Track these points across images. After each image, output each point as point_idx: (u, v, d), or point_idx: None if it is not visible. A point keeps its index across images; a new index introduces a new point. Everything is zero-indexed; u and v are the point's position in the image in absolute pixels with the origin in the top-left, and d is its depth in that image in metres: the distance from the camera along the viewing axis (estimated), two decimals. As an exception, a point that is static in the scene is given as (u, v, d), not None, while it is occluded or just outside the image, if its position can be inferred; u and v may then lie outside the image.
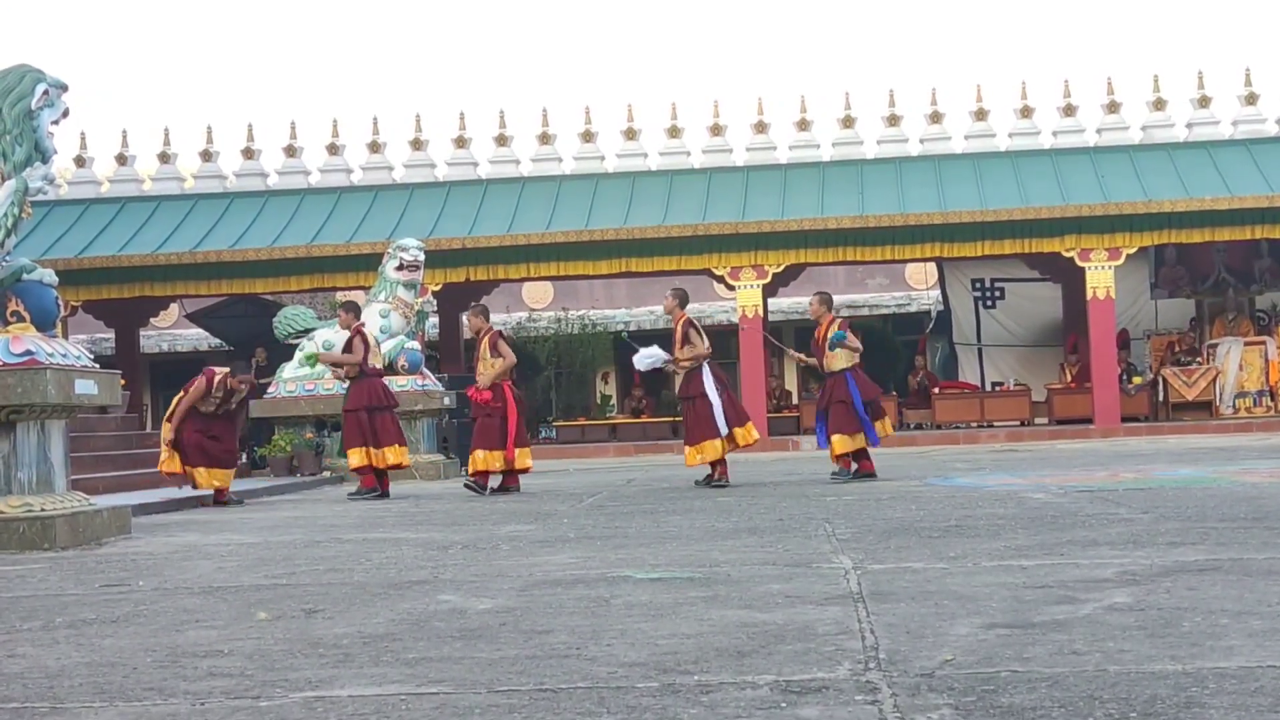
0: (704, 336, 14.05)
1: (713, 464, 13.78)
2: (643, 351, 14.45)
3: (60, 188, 27.23)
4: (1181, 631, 4.41)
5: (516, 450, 14.01)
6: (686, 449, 14.03)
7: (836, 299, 34.57)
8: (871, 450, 14.09)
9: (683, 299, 14.34)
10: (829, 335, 14.01)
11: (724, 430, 13.65)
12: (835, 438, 13.84)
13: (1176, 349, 27.97)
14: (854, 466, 13.86)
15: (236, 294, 27.87)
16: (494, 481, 14.13)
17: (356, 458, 14.47)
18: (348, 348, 14.95)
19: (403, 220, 26.52)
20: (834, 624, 4.80)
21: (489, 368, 14.04)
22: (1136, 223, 25.40)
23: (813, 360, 14.50)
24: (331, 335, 20.35)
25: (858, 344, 14.10)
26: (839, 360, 13.93)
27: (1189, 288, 28.94)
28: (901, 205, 25.91)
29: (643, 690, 3.82)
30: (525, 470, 14.33)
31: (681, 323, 14.01)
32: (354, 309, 15.53)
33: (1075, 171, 26.54)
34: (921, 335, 32.37)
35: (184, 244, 26.42)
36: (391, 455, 14.52)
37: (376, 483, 14.40)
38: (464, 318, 15.79)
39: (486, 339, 14.24)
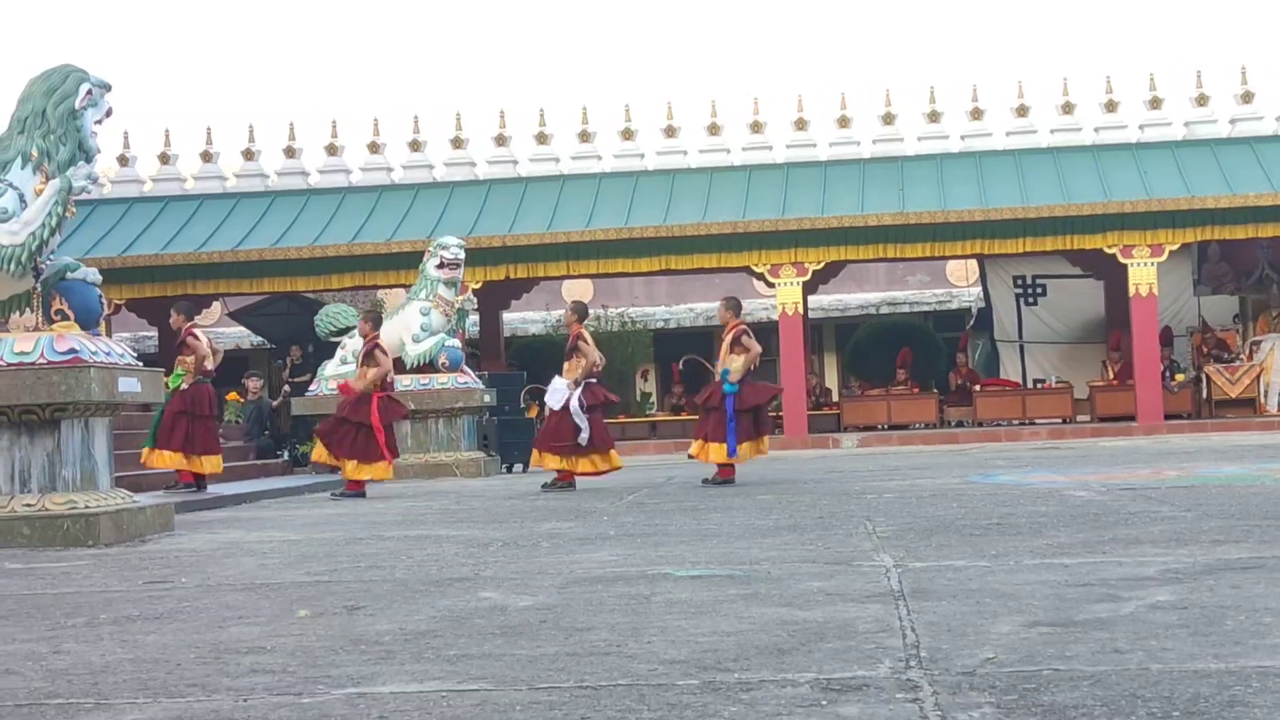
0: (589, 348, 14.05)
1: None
2: (553, 387, 14.22)
3: (104, 187, 27.39)
4: (1225, 630, 4.38)
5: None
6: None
7: (876, 296, 34.81)
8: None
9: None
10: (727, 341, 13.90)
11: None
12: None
13: (1205, 349, 27.70)
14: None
15: (278, 292, 28.02)
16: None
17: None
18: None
19: (443, 218, 26.56)
20: (875, 622, 4.79)
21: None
22: (1179, 219, 25.20)
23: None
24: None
25: (746, 356, 13.80)
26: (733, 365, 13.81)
27: (1232, 284, 28.69)
28: (942, 202, 25.79)
29: (683, 688, 3.82)
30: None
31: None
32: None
33: (1117, 167, 26.35)
34: (963, 332, 32.22)
35: (226, 242, 26.56)
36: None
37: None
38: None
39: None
